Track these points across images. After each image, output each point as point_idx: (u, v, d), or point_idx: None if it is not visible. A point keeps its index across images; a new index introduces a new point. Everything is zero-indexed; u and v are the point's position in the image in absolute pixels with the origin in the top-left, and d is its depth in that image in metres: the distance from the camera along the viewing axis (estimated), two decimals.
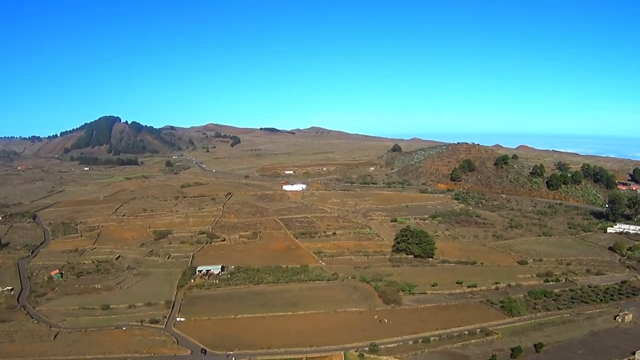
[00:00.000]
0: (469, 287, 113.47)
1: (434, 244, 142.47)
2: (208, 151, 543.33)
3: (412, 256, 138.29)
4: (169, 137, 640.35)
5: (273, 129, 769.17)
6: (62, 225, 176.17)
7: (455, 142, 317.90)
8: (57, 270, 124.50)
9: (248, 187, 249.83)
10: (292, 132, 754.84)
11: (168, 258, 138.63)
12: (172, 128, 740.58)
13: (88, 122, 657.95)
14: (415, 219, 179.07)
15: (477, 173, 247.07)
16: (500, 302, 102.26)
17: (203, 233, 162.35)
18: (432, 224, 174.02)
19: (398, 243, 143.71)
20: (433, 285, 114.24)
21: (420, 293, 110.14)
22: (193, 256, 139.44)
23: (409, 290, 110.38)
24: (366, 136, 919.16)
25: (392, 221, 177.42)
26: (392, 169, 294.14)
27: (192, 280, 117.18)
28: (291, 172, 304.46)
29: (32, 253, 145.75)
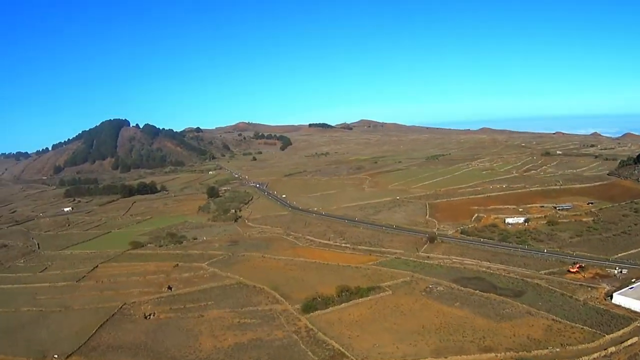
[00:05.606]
0: None
1: None
2: (255, 159, 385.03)
3: None
4: (196, 142, 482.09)
5: (324, 124, 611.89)
6: None
7: None
8: None
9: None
10: (349, 128, 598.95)
11: None
12: (199, 130, 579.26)
13: (87, 129, 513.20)
14: None
15: None
16: None
17: None
18: None
19: None
20: None
21: None
22: None
23: None
24: (427, 128, 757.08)
25: None
26: None
27: None
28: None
29: None
